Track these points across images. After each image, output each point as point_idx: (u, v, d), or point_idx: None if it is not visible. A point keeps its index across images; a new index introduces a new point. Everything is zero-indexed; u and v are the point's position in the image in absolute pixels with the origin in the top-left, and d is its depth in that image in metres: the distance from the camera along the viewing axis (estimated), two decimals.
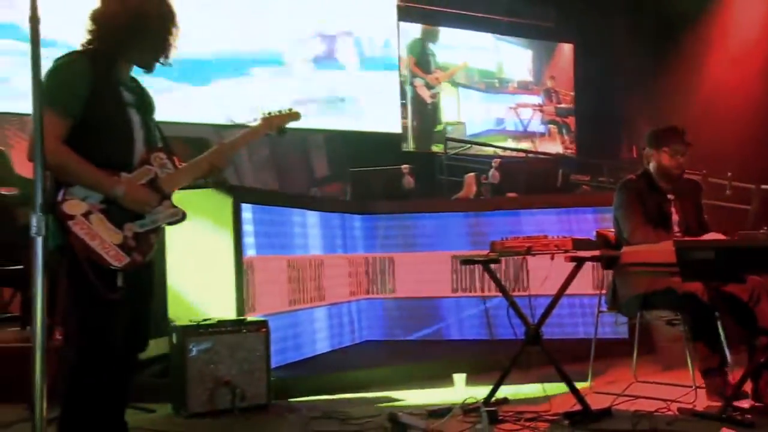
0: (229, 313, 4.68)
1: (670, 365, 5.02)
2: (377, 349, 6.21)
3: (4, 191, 5.53)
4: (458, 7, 11.87)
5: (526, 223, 6.16)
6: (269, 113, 3.30)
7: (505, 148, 12.04)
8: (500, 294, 4.34)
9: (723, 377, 3.95)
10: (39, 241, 2.29)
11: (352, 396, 4.69)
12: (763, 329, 3.89)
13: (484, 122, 12.41)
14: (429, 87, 11.85)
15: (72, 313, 2.82)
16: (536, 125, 12.90)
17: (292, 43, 10.20)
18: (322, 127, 10.16)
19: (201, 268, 4.80)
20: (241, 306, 4.76)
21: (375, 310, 6.56)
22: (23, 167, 5.40)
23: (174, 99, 8.58)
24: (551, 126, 13.05)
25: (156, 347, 4.34)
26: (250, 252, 4.95)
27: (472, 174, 8.40)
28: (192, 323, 4.32)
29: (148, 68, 2.97)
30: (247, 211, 4.97)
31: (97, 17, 2.87)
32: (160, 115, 3.09)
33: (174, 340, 4.29)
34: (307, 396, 4.65)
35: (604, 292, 4.58)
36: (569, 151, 12.97)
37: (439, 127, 11.89)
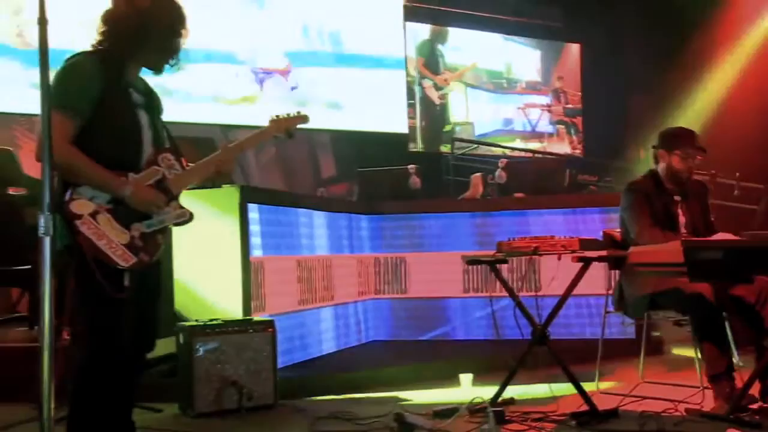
0: (237, 312, 4.70)
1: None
2: (384, 349, 6.22)
3: (12, 191, 5.56)
4: (465, 7, 11.86)
5: (533, 224, 6.16)
6: (277, 116, 3.30)
7: (511, 148, 12.02)
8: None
9: (730, 382, 3.91)
10: (47, 241, 2.29)
11: (358, 396, 4.69)
12: None
13: (492, 122, 12.39)
14: (438, 88, 11.84)
15: (79, 313, 2.83)
16: (544, 125, 12.88)
17: (294, 42, 10.20)
18: (329, 128, 10.17)
19: (209, 267, 4.82)
20: (248, 306, 4.77)
21: (382, 310, 6.57)
22: (31, 167, 5.42)
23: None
24: (560, 126, 13.03)
25: (163, 347, 4.35)
26: (256, 252, 4.96)
27: (478, 174, 8.39)
28: (199, 323, 4.33)
29: (158, 70, 2.98)
30: (254, 211, 4.99)
31: (107, 18, 2.88)
32: (167, 115, 3.11)
33: (181, 339, 4.30)
34: (314, 396, 4.66)
35: (611, 292, 4.57)
36: (577, 151, 12.95)
37: (448, 128, 11.88)
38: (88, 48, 2.88)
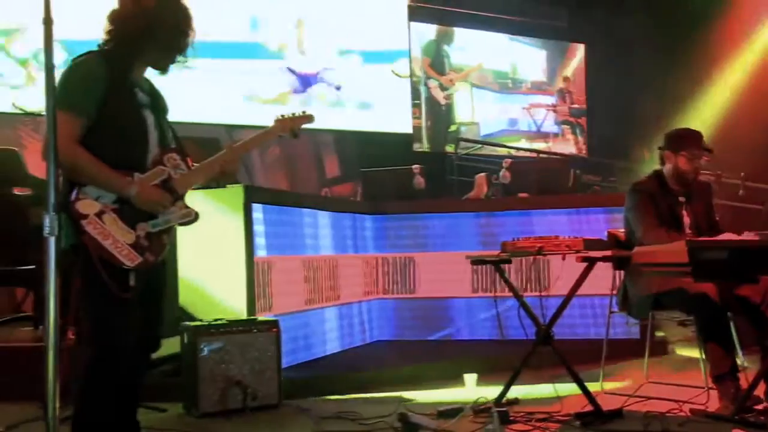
0: (242, 311, 4.70)
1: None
2: (388, 349, 6.22)
3: (17, 191, 5.57)
4: (470, 7, 11.86)
5: (538, 224, 6.15)
6: (282, 115, 3.31)
7: (516, 148, 12.01)
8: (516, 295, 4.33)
9: (735, 383, 3.90)
10: (52, 240, 2.30)
11: (362, 396, 4.69)
12: None
13: (497, 122, 12.39)
14: (443, 88, 11.84)
15: (85, 312, 2.84)
16: (550, 125, 12.88)
17: (294, 42, 10.21)
18: (333, 127, 10.17)
19: (213, 267, 4.83)
20: (252, 305, 4.78)
21: (386, 310, 6.56)
22: (36, 168, 5.44)
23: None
24: (565, 126, 13.03)
25: (167, 347, 4.36)
26: (260, 252, 4.97)
27: (482, 174, 8.39)
28: (203, 323, 4.34)
29: (163, 70, 2.99)
30: (258, 211, 4.99)
31: (113, 18, 2.89)
32: (172, 115, 3.12)
33: (185, 339, 4.31)
34: (318, 396, 4.65)
35: (615, 293, 4.56)
36: (582, 151, 12.94)
37: (453, 128, 11.89)
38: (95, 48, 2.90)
